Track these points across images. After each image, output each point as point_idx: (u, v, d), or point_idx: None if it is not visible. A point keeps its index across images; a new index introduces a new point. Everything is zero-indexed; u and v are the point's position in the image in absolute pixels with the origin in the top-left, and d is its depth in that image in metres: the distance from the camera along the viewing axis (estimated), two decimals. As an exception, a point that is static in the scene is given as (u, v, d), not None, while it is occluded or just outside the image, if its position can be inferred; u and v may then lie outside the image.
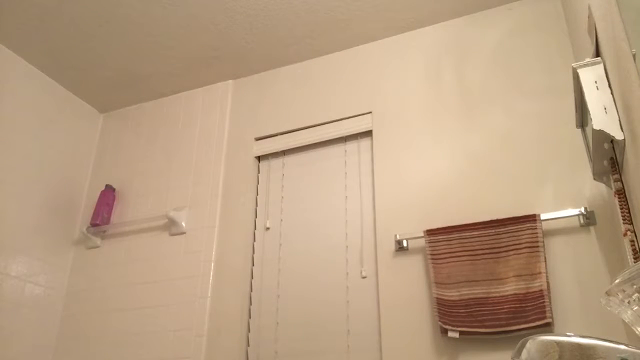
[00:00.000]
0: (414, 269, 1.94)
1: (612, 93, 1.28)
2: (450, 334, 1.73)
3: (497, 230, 1.80)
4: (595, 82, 1.32)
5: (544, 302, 1.63)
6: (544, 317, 1.61)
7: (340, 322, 2.03)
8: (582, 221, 1.76)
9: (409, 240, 1.98)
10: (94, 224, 2.54)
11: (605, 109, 1.26)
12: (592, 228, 1.75)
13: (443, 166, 2.07)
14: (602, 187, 1.75)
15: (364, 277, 2.07)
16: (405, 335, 1.86)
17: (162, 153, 2.70)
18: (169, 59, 2.58)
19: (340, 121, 2.38)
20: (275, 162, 2.49)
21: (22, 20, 2.33)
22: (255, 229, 2.38)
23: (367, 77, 2.41)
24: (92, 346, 2.35)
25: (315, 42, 2.49)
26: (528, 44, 2.14)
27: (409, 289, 1.92)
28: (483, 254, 1.79)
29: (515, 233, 1.77)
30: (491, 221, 1.82)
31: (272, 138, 2.50)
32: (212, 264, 2.30)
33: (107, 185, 2.64)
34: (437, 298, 1.79)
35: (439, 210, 2.00)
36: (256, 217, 2.40)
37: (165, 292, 2.31)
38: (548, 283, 1.66)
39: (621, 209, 1.26)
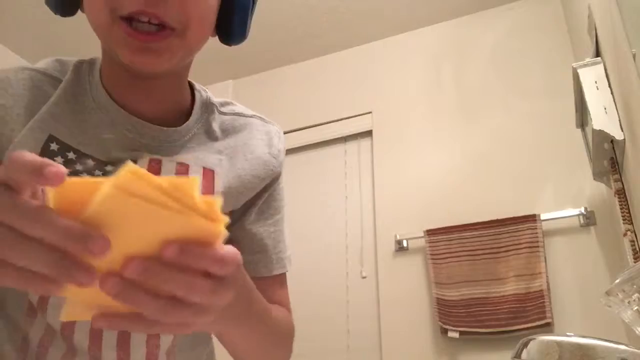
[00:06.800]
0: (414, 269, 1.94)
1: (612, 93, 1.28)
2: (450, 334, 1.73)
3: (497, 230, 1.80)
4: (595, 82, 1.32)
5: (544, 302, 1.63)
6: (544, 317, 1.62)
7: (340, 322, 2.03)
8: (582, 221, 1.76)
9: (409, 240, 1.98)
10: (94, 224, 2.54)
11: (605, 109, 1.26)
12: (592, 228, 1.75)
13: (443, 166, 2.07)
14: (602, 187, 1.75)
15: (364, 277, 2.07)
16: (405, 335, 1.86)
17: (162, 153, 2.69)
18: (169, 59, 2.58)
19: (341, 121, 2.38)
20: (275, 162, 2.48)
21: (22, 20, 2.33)
22: (255, 229, 2.37)
23: (367, 77, 2.41)
24: (92, 346, 2.34)
25: (315, 42, 2.48)
26: (528, 44, 2.14)
27: (409, 289, 1.92)
28: (483, 254, 1.79)
29: (515, 233, 1.77)
30: (491, 221, 1.82)
31: (272, 138, 2.50)
32: (212, 264, 2.30)
33: (107, 185, 2.64)
34: (437, 298, 1.79)
35: (439, 210, 2.00)
36: (256, 217, 2.40)
37: (165, 292, 2.30)
38: (548, 283, 1.66)
39: (621, 209, 1.26)
